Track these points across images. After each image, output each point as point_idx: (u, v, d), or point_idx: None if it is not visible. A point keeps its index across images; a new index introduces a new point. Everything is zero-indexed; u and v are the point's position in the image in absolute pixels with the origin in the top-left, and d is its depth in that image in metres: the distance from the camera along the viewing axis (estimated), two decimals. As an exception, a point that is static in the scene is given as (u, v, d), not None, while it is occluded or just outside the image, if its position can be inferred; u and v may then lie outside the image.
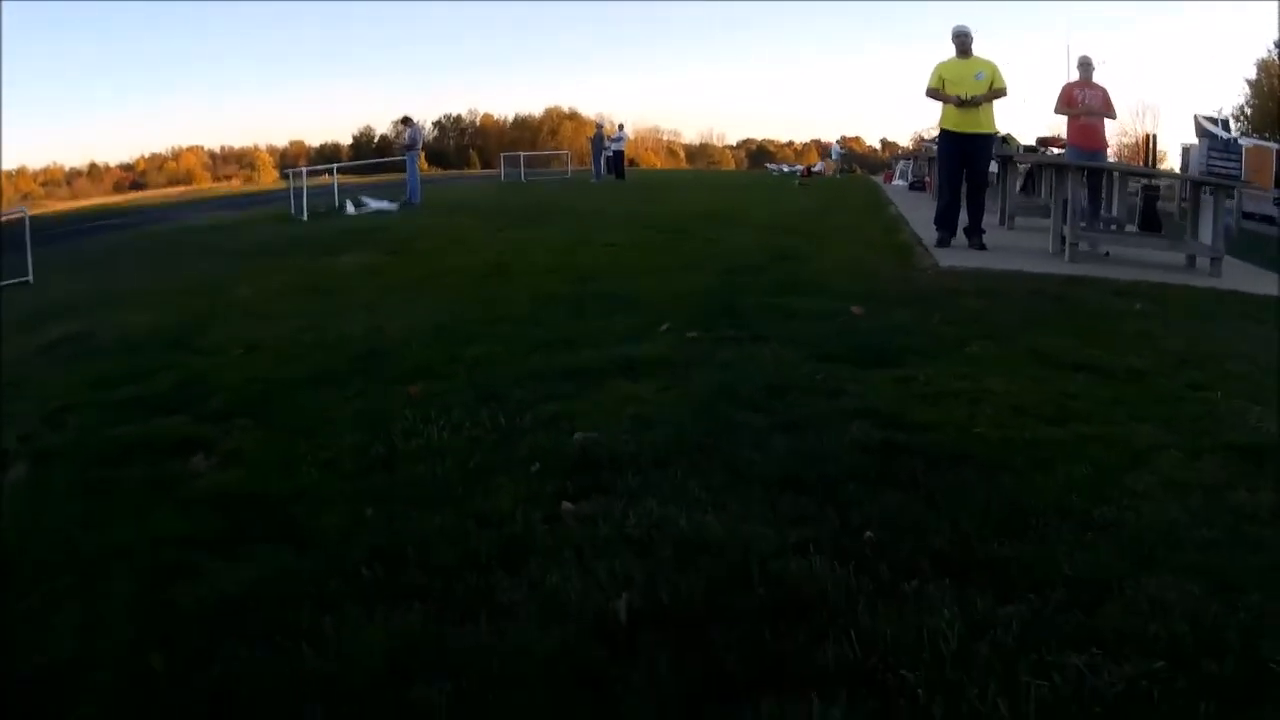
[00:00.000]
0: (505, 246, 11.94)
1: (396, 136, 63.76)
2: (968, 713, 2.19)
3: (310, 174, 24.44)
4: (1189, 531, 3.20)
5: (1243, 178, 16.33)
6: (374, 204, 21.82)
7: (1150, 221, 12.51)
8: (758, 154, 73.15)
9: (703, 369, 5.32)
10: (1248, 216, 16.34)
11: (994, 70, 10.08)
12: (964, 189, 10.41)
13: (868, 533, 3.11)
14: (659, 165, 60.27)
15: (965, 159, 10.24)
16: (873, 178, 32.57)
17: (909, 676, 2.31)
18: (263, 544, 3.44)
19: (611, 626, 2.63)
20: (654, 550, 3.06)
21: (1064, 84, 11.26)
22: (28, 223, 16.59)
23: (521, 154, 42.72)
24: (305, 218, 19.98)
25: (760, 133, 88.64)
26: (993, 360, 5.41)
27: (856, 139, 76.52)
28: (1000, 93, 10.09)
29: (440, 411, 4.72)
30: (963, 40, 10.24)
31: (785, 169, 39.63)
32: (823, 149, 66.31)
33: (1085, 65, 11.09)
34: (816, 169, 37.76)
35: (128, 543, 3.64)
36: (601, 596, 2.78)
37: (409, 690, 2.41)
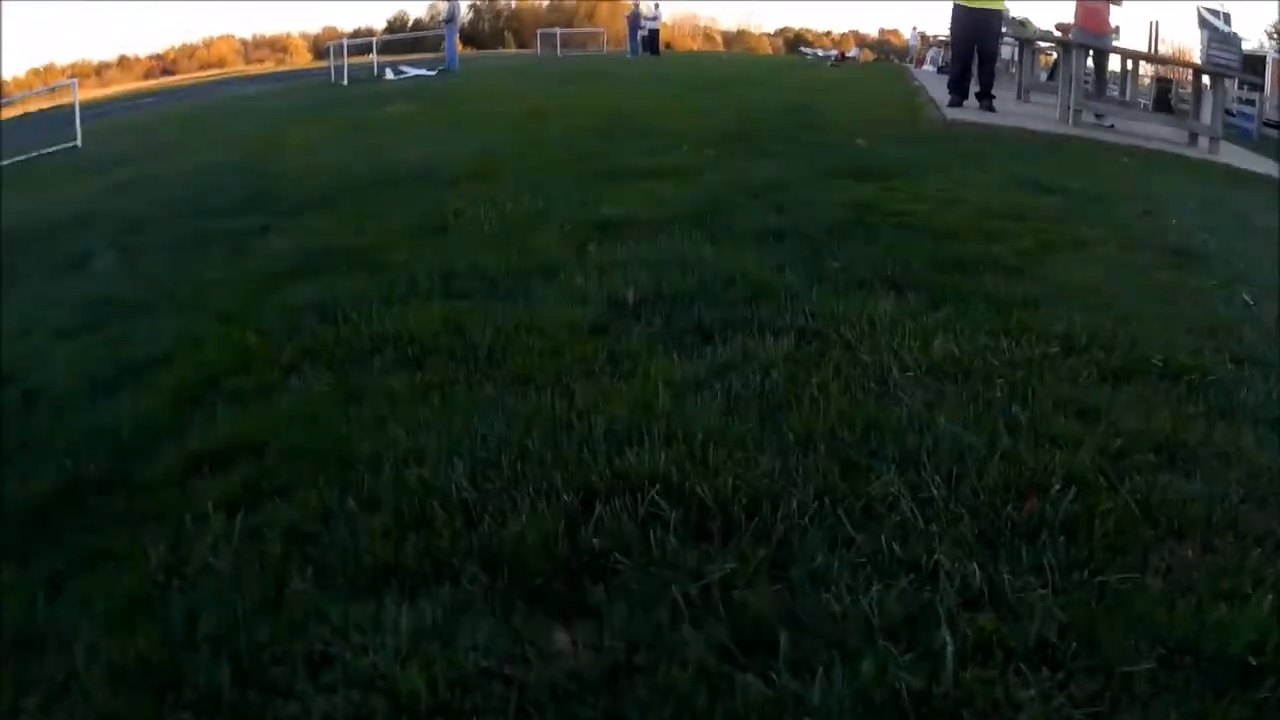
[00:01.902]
0: (543, 98, 12.40)
1: (431, 18, 63.22)
2: (886, 350, 2.82)
3: (349, 51, 23.77)
4: (1107, 285, 3.81)
5: (1266, 92, 16.48)
6: (413, 71, 22.05)
7: (1162, 108, 12.88)
8: (795, 41, 71.82)
9: (714, 173, 5.98)
10: (1270, 125, 16.52)
11: None
12: (975, 61, 10.84)
13: (834, 263, 3.77)
14: (695, 49, 59.42)
15: (977, 32, 10.65)
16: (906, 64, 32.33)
17: (845, 331, 2.99)
18: (337, 272, 4.12)
19: (622, 304, 3.32)
20: (660, 266, 3.73)
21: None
22: (76, 90, 16.90)
23: (558, 30, 42.47)
24: (346, 83, 20.27)
25: (798, 21, 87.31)
26: (973, 181, 5.98)
27: (894, 32, 75.09)
28: None
29: (486, 199, 5.33)
30: None
31: (820, 54, 38.96)
32: (860, 40, 65.29)
33: (1093, -52, 11.31)
34: (852, 54, 37.23)
35: (218, 279, 4.37)
36: (615, 289, 3.47)
37: (462, 336, 3.10)
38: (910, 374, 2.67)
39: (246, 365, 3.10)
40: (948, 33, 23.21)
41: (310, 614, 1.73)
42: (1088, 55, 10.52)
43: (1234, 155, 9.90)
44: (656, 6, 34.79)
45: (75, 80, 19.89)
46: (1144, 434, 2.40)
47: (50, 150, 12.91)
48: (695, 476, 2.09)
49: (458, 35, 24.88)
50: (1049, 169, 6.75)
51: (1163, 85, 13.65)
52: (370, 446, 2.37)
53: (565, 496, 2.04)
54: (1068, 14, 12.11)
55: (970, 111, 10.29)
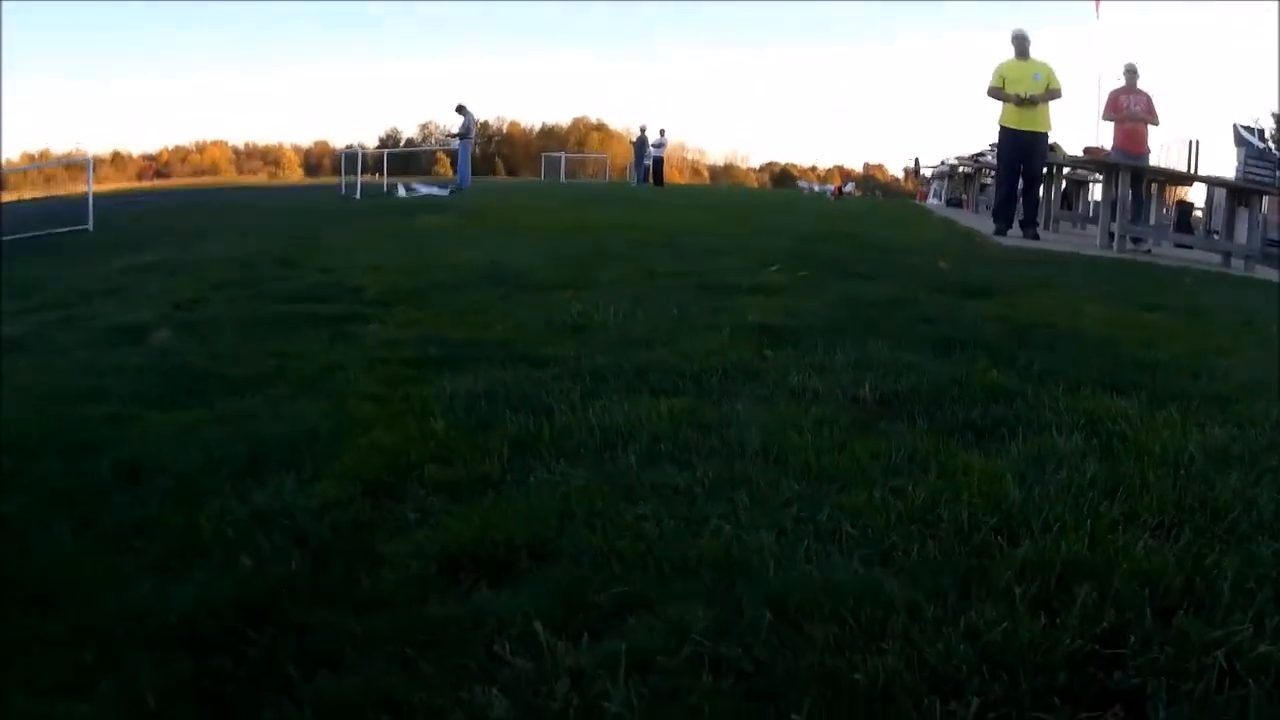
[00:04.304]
0: (577, 215, 12.39)
1: (424, 137, 63.27)
2: (1167, 442, 2.87)
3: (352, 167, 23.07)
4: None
5: (1264, 210, 16.88)
6: (424, 189, 21.77)
7: (1182, 229, 13.27)
8: (781, 176, 73.79)
9: (824, 291, 5.85)
10: (1272, 244, 16.84)
11: (1050, 72, 10.85)
12: (1019, 184, 11.11)
13: (1033, 368, 3.83)
14: (684, 182, 60.31)
15: (1023, 155, 10.94)
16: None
17: (1111, 426, 3.05)
18: (490, 363, 3.92)
19: (863, 404, 3.34)
20: (870, 367, 3.75)
21: (1110, 90, 11.88)
22: (90, 168, 16.82)
23: (563, 154, 42.57)
24: (359, 196, 19.40)
25: (783, 156, 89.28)
26: (1076, 297, 6.11)
27: (879, 167, 77.34)
28: (1056, 93, 10.87)
29: (605, 305, 5.14)
30: (1021, 43, 11.04)
31: (816, 188, 39.75)
32: (845, 174, 66.76)
33: (1130, 72, 11.76)
34: (847, 189, 38.01)
35: (342, 362, 4.06)
36: (843, 387, 3.49)
37: (713, 433, 2.99)
38: (1200, 460, 2.74)
39: (443, 454, 2.80)
40: (941, 163, 23.83)
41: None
42: (1129, 178, 10.78)
43: (1270, 274, 10.11)
44: (662, 133, 34.91)
45: (90, 158, 19.77)
46: None
47: (60, 231, 12.70)
48: (1117, 558, 2.10)
49: (470, 150, 23.97)
50: (1131, 289, 6.92)
51: (1183, 207, 14.14)
52: (710, 546, 2.15)
53: (1018, 589, 1.94)
54: (1090, 139, 12.51)
55: (1018, 239, 10.53)
